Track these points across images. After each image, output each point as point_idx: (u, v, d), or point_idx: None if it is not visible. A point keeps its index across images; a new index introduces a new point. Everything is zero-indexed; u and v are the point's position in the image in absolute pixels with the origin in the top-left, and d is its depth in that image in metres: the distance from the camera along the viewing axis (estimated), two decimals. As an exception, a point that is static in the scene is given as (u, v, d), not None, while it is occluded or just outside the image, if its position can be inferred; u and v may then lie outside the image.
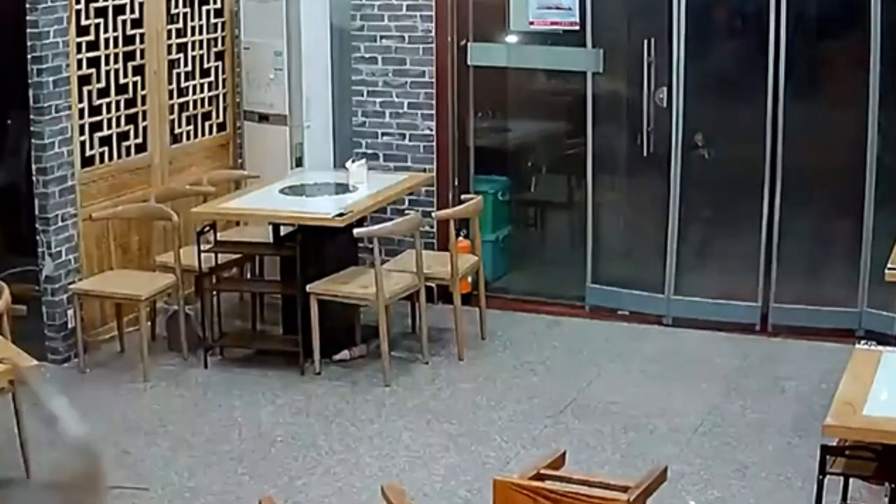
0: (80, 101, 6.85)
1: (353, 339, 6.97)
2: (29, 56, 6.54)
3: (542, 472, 3.81)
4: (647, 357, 6.93)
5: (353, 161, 7.33)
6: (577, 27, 7.41)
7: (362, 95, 7.92)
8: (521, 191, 8.42)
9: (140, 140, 7.34)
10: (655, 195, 7.48)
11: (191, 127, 7.78)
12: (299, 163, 7.64)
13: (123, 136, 7.22)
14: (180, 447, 5.84)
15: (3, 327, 5.54)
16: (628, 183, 7.79)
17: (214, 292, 6.91)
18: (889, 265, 5.43)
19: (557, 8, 7.44)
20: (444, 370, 6.78)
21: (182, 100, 7.67)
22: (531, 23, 7.56)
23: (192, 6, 7.70)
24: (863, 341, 5.12)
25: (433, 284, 7.21)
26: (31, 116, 6.62)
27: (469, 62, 7.75)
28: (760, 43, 7.03)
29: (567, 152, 8.06)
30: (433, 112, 7.76)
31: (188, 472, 5.56)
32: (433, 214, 7.39)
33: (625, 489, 3.64)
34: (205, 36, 7.83)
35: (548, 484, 3.67)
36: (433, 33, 7.70)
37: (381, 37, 7.82)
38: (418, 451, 5.78)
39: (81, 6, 6.79)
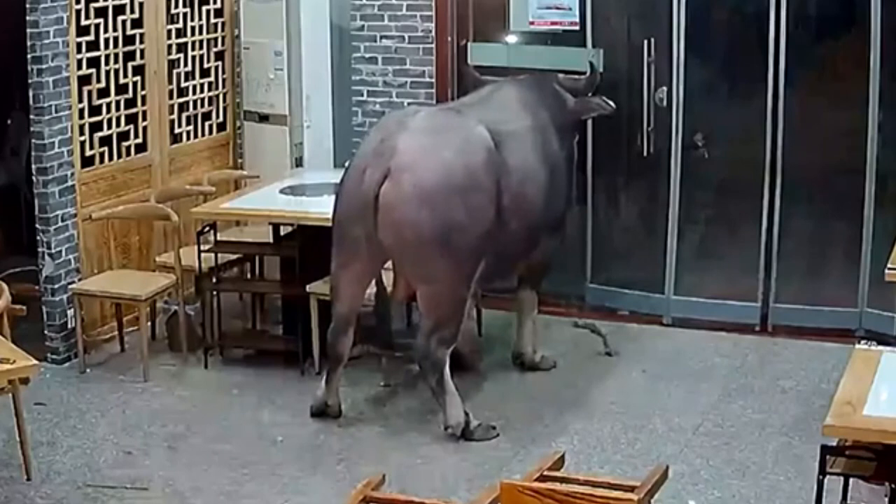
0: (80, 101, 6.85)
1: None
2: (29, 56, 6.53)
3: (546, 473, 3.81)
4: (646, 357, 6.93)
5: (353, 161, 7.33)
6: (577, 27, 7.42)
7: (362, 95, 7.92)
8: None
9: (140, 140, 7.34)
10: (655, 195, 7.48)
11: (191, 127, 7.77)
12: (299, 163, 7.65)
13: (123, 136, 7.22)
14: (180, 447, 5.84)
15: (3, 327, 5.54)
16: (628, 183, 7.78)
17: (214, 292, 6.90)
18: (889, 265, 5.43)
19: (557, 8, 7.44)
20: (443, 370, 6.77)
21: (182, 100, 7.66)
22: (531, 23, 7.55)
23: (192, 6, 7.69)
24: (863, 341, 5.12)
25: (433, 284, 7.19)
26: (31, 116, 6.61)
27: (469, 62, 7.73)
28: (760, 43, 7.03)
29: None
30: (433, 112, 7.75)
31: (188, 472, 5.56)
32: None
33: (629, 489, 3.64)
34: (205, 36, 7.83)
35: (555, 485, 3.67)
36: (433, 33, 7.70)
37: (381, 37, 7.82)
38: (418, 451, 5.78)
39: (81, 6, 6.79)
